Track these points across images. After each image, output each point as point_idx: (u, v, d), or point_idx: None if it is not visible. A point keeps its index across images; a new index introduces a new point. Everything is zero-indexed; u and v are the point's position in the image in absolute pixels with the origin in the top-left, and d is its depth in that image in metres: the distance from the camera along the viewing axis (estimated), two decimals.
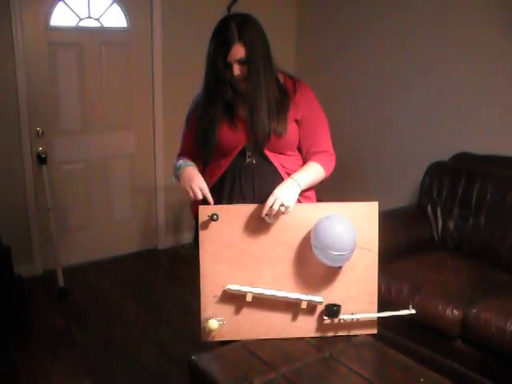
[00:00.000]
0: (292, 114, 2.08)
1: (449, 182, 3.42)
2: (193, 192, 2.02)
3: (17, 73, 3.81)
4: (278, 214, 1.99)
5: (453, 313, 2.61)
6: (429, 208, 3.50)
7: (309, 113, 2.13)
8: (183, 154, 2.25)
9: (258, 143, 2.05)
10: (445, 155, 3.64)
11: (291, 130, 2.09)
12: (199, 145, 2.13)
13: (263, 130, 2.02)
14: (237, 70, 1.97)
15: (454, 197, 3.38)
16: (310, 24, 4.85)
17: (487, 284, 2.86)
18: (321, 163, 2.14)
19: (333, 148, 2.20)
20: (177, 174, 2.12)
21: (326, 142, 2.18)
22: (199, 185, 2.03)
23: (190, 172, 2.07)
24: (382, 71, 4.23)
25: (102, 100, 4.27)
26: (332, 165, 2.18)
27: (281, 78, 2.11)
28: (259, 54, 1.97)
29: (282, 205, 1.96)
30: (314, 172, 2.13)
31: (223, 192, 2.15)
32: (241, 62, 1.96)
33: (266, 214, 2.02)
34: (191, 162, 2.13)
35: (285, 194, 1.98)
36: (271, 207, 1.96)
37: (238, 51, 1.94)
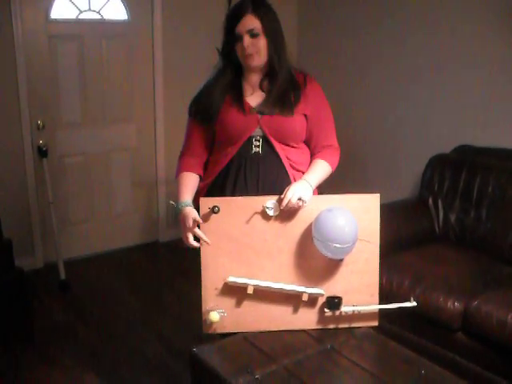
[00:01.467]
0: (301, 108, 2.10)
1: (450, 174, 3.41)
2: (186, 239, 2.04)
3: (17, 66, 3.79)
4: (294, 207, 2.01)
5: (454, 305, 2.61)
6: (430, 200, 3.50)
7: (318, 107, 2.16)
8: (188, 150, 2.22)
9: (268, 106, 2.07)
10: (446, 148, 3.63)
11: (299, 123, 2.12)
12: (198, 114, 2.15)
13: (280, 97, 2.06)
14: (247, 40, 1.99)
15: (456, 189, 3.37)
16: (312, 20, 4.83)
17: (488, 276, 2.86)
18: (327, 160, 2.18)
19: (337, 140, 2.25)
20: (177, 212, 2.09)
21: (332, 136, 2.23)
22: (192, 230, 2.02)
23: (183, 215, 2.04)
24: (384, 65, 4.21)
25: (102, 93, 4.26)
26: (337, 159, 2.22)
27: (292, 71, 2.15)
28: (275, 30, 2.05)
29: (300, 198, 1.99)
30: (322, 171, 2.16)
31: (227, 182, 2.15)
32: (252, 35, 1.98)
33: (267, 207, 2.03)
34: (187, 201, 2.09)
35: (302, 189, 2.01)
36: (289, 201, 1.98)
37: (251, 21, 1.97)
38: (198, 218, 2.00)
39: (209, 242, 2.03)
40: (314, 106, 2.14)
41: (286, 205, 1.99)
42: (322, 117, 2.18)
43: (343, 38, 4.55)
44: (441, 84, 3.80)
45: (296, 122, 2.10)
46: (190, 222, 2.00)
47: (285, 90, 2.08)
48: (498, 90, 3.47)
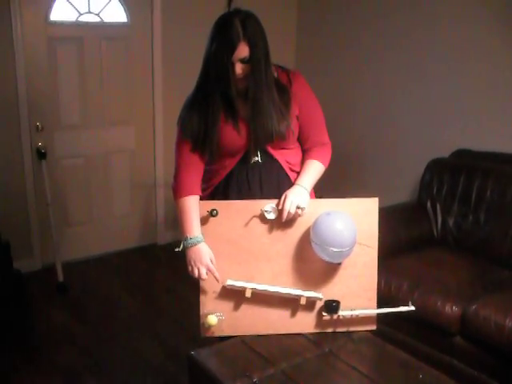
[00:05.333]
0: (292, 111, 2.07)
1: (449, 178, 3.42)
2: (198, 271, 2.03)
3: (16, 68, 3.80)
4: (295, 216, 2.02)
5: (452, 309, 2.61)
6: (428, 204, 3.50)
7: (306, 104, 2.12)
8: (184, 166, 2.10)
9: (259, 143, 2.05)
10: (445, 152, 3.63)
11: (294, 128, 2.09)
12: (195, 148, 2.07)
13: (265, 130, 2.01)
14: (239, 68, 1.94)
15: (454, 193, 3.38)
16: (311, 21, 4.84)
17: (486, 280, 2.86)
18: (320, 159, 2.16)
19: (327, 134, 2.21)
20: (186, 245, 2.05)
21: (322, 131, 2.20)
22: (207, 266, 2.03)
23: (199, 250, 2.04)
24: (383, 69, 4.22)
25: (101, 95, 4.26)
26: (329, 155, 2.20)
27: (274, 73, 2.08)
28: (261, 53, 1.95)
29: (298, 207, 2.00)
30: (315, 171, 2.15)
31: (229, 192, 2.13)
32: (243, 62, 1.94)
33: (266, 210, 2.03)
34: (201, 236, 2.05)
35: (299, 197, 2.02)
36: (289, 212, 1.99)
37: (243, 50, 1.91)
38: (213, 257, 2.05)
39: (219, 278, 2.05)
40: (303, 103, 2.11)
41: (287, 217, 2.00)
42: (311, 113, 2.15)
43: (342, 40, 4.56)
44: (440, 88, 3.81)
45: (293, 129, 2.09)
46: (208, 260, 2.03)
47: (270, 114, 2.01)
48: (496, 95, 3.48)
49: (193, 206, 2.07)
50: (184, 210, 2.07)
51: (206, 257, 2.04)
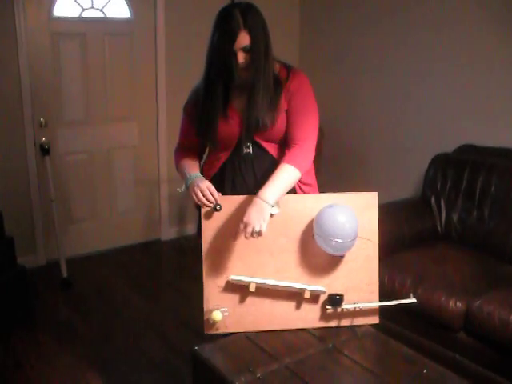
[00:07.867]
0: (282, 104, 2.07)
1: (453, 173, 3.40)
2: (201, 192, 2.03)
3: (20, 63, 3.80)
4: (253, 237, 1.97)
5: (456, 305, 2.61)
6: (433, 200, 3.49)
7: (297, 101, 2.07)
8: (183, 144, 2.28)
9: (249, 131, 2.06)
10: (449, 147, 3.62)
11: (281, 121, 2.08)
12: (199, 135, 2.16)
13: (257, 119, 2.02)
14: (241, 57, 1.97)
15: (458, 189, 3.37)
16: (314, 18, 4.83)
17: (491, 276, 2.85)
18: (294, 163, 2.04)
19: (312, 138, 2.09)
20: (188, 182, 2.11)
21: (307, 131, 2.08)
22: (206, 184, 2.04)
23: (198, 180, 2.08)
24: (387, 65, 4.21)
25: (105, 91, 4.26)
26: (307, 161, 2.10)
27: (276, 68, 2.09)
28: (262, 42, 1.98)
29: (254, 231, 1.94)
30: (283, 179, 2.01)
31: (225, 182, 2.16)
32: (245, 50, 1.96)
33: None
34: (199, 174, 2.15)
35: (254, 219, 1.93)
36: (245, 235, 1.95)
37: (244, 39, 1.94)
38: (212, 187, 2.05)
39: (218, 198, 2.04)
40: (293, 100, 2.07)
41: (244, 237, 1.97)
42: (299, 109, 2.07)
43: (345, 37, 4.55)
44: (444, 83, 3.80)
45: (279, 123, 2.07)
46: (207, 182, 2.05)
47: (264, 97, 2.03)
48: (501, 90, 3.46)
49: (191, 159, 2.22)
50: (183, 165, 2.20)
51: (204, 181, 2.06)
